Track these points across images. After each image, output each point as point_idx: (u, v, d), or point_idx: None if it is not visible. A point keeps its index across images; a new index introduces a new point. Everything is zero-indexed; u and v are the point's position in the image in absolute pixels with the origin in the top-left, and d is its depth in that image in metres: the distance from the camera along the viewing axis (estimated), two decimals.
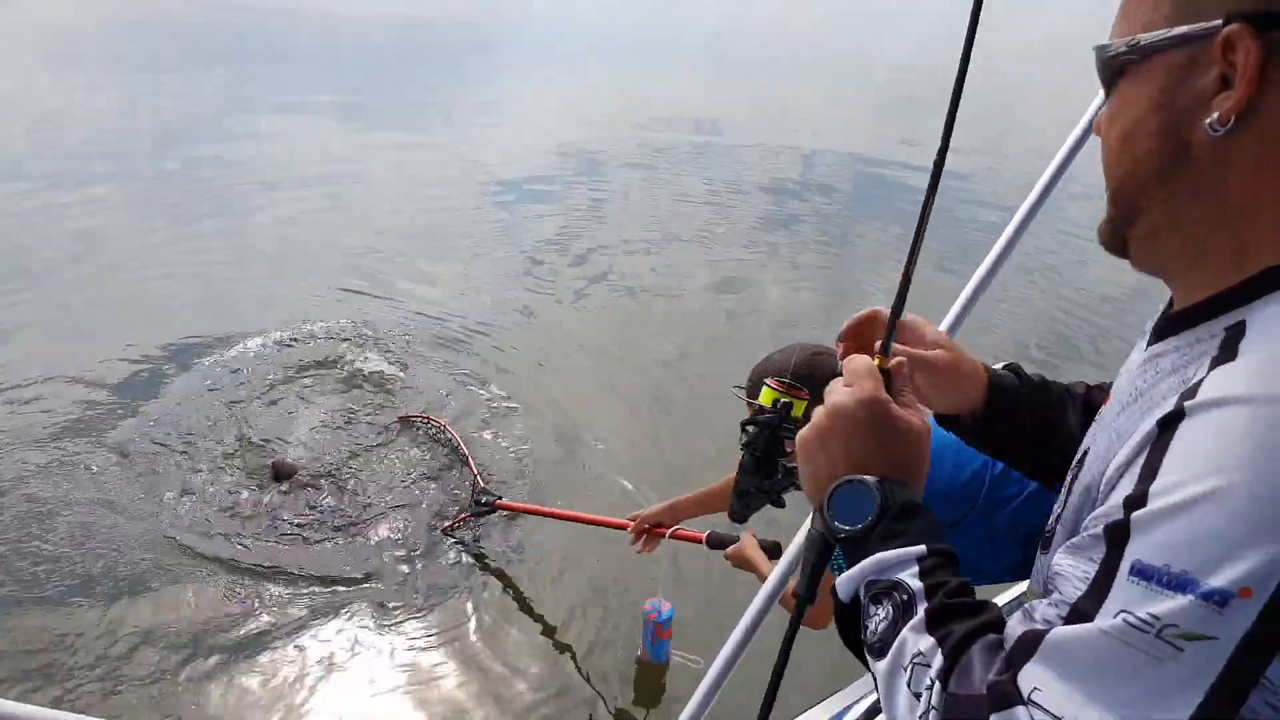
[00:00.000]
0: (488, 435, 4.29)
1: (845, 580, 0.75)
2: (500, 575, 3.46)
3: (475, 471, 3.75)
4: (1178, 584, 0.52)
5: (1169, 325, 0.71)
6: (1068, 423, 1.08)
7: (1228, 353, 0.60)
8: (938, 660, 0.64)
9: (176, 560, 3.37)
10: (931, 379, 1.01)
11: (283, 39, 15.04)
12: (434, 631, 3.16)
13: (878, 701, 1.61)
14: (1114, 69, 0.70)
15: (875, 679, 0.71)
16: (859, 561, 0.74)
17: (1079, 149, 1.27)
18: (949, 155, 0.83)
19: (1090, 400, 1.10)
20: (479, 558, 3.52)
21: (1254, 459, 0.51)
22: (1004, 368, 1.12)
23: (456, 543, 3.57)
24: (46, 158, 8.23)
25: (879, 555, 0.72)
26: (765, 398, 0.97)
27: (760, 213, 8.23)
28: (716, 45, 19.67)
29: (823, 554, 0.79)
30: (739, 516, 1.08)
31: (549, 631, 3.21)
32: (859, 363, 0.82)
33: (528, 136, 10.60)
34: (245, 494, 3.74)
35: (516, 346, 5.22)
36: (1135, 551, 0.55)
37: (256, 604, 3.19)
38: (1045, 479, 1.12)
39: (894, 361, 0.83)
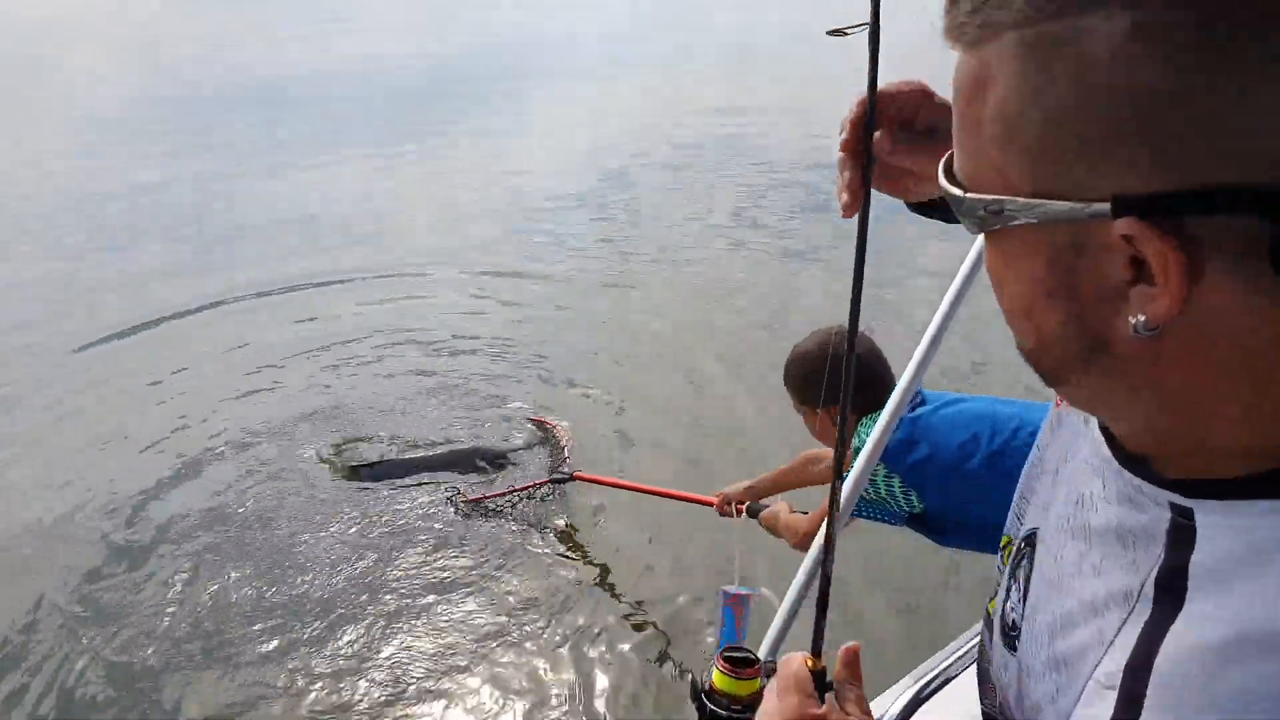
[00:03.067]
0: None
1: None
2: (576, 552, 3.58)
3: (564, 444, 4.02)
4: None
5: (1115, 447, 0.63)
6: None
7: (1175, 584, 0.53)
8: None
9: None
10: (923, 159, 0.89)
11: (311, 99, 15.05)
12: (504, 608, 3.30)
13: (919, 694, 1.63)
14: (977, 226, 0.57)
15: None
16: None
17: None
18: None
19: None
20: (552, 531, 3.69)
21: None
22: None
23: (531, 512, 3.75)
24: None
25: None
26: (716, 680, 0.92)
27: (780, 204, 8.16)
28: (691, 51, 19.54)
29: None
30: None
31: (628, 612, 3.29)
32: (789, 668, 0.81)
33: (559, 153, 10.60)
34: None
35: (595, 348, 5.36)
36: None
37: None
38: None
39: (827, 666, 0.82)
